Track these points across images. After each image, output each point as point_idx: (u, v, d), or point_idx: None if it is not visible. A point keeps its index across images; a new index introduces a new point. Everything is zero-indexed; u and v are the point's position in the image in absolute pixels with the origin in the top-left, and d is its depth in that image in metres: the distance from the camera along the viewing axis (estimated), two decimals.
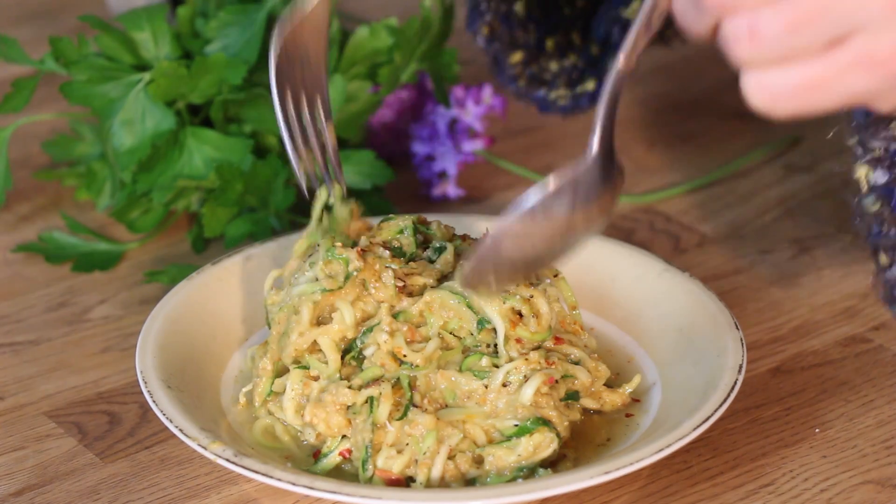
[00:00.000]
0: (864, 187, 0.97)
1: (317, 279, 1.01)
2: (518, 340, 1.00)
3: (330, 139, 1.05)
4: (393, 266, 1.02)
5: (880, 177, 0.96)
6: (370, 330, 1.01)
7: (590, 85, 1.21)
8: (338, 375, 1.00)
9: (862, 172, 0.97)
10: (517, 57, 1.23)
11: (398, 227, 1.05)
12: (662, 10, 0.83)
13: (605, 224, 0.93)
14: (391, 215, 1.07)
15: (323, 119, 1.05)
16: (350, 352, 1.01)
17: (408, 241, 1.05)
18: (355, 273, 1.01)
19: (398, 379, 0.99)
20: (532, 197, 0.88)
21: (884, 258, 0.98)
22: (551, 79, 1.23)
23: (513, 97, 1.28)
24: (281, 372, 1.04)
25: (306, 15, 1.01)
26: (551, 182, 0.88)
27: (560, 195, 0.88)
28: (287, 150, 1.03)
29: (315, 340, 1.01)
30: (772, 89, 0.81)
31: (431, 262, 1.04)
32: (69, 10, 1.70)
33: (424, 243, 1.06)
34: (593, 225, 0.92)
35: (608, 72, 0.88)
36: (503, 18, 1.22)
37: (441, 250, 1.05)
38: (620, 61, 0.87)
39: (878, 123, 0.93)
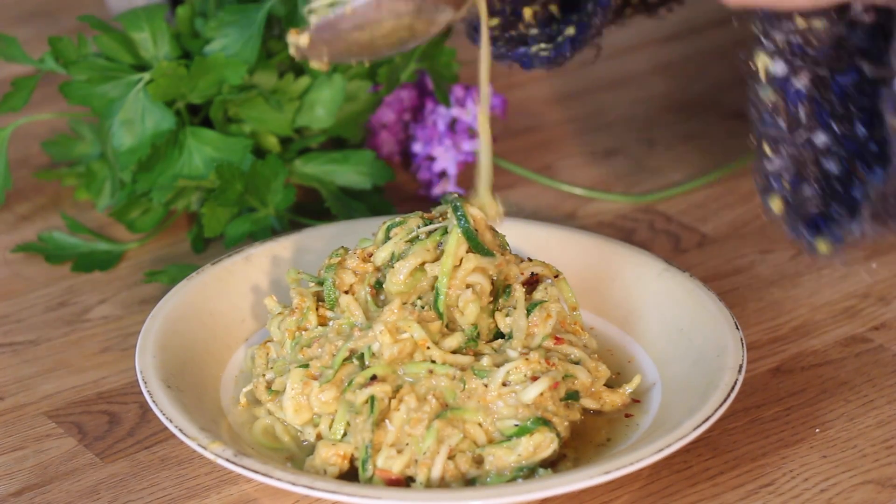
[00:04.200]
0: (763, 77, 0.98)
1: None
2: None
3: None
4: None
5: (779, 68, 0.97)
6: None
7: (570, 30, 1.20)
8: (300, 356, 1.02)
9: (762, 62, 0.98)
10: (493, 22, 1.22)
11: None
12: None
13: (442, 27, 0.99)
14: (397, 218, 1.07)
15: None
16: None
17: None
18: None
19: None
20: None
21: (767, 148, 0.99)
22: (531, 38, 1.22)
23: (494, 59, 1.27)
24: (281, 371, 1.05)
25: None
26: None
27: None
28: None
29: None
30: None
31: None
32: (69, 9, 1.70)
33: None
34: (433, 30, 0.98)
35: None
36: None
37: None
38: None
39: (781, 14, 0.95)
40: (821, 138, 0.97)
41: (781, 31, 0.95)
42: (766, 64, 0.97)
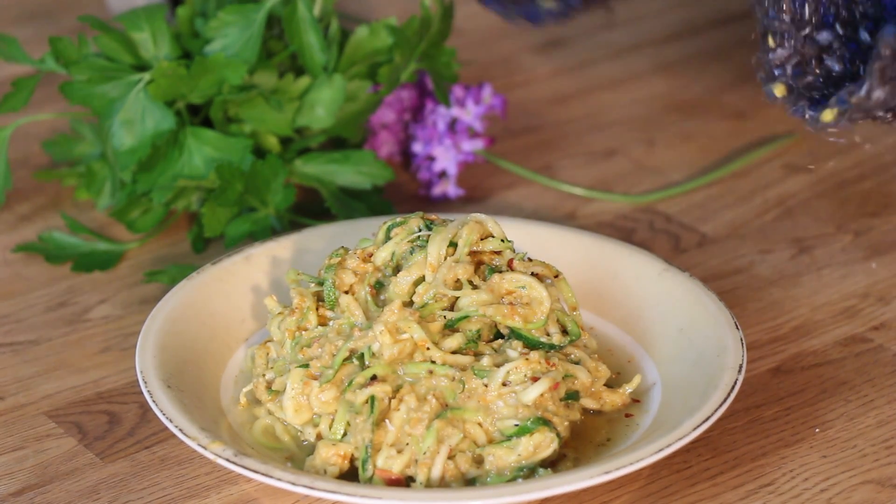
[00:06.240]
0: None
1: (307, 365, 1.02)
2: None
3: None
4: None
5: None
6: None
7: None
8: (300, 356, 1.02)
9: None
10: None
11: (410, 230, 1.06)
12: None
13: None
14: (398, 217, 1.07)
15: None
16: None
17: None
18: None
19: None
20: None
21: (771, 41, 1.00)
22: None
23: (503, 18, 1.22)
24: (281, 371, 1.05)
25: None
26: None
27: None
28: None
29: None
30: None
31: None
32: (69, 10, 1.70)
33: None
34: None
35: None
36: None
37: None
38: None
39: None
40: (824, 36, 0.98)
41: None
42: None
